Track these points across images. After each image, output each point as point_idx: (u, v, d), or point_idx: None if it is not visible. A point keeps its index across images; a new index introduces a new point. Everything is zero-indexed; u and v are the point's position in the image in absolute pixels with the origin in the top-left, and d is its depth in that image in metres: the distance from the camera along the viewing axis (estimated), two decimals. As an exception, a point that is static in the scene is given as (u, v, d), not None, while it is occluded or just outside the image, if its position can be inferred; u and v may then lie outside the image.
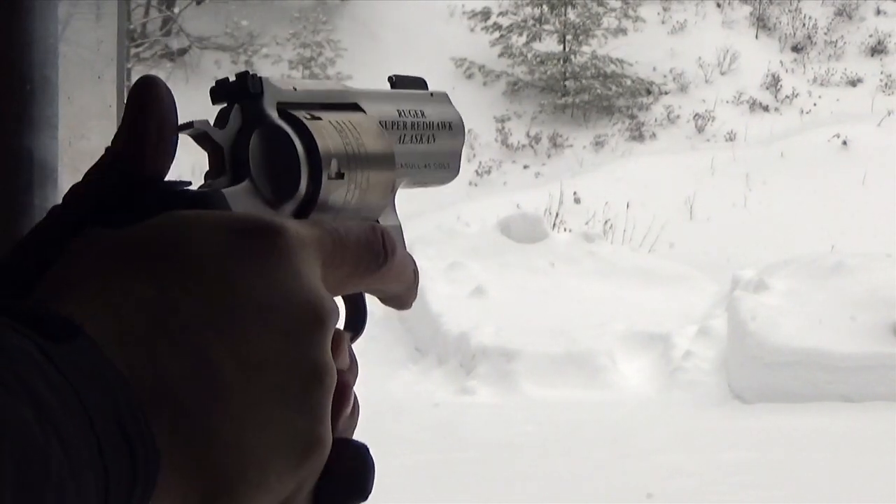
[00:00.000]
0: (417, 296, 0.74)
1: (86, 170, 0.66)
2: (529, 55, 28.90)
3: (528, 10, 29.38)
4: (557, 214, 20.61)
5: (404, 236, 0.79)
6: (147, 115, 0.66)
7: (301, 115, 0.73)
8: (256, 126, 0.70)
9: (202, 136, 0.69)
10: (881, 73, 29.04)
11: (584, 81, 28.63)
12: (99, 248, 0.61)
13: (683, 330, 13.88)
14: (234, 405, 0.58)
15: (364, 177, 0.75)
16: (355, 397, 0.71)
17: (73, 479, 0.52)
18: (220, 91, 0.71)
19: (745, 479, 9.31)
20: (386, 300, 0.72)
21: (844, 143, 24.87)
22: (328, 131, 0.73)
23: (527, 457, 10.10)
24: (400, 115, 0.82)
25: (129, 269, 0.60)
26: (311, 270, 0.62)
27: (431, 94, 0.85)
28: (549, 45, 29.26)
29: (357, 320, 0.76)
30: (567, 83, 28.73)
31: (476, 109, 27.58)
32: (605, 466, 9.76)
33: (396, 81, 0.85)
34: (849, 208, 22.33)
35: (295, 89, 0.74)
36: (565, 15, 29.25)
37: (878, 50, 29.93)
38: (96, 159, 0.66)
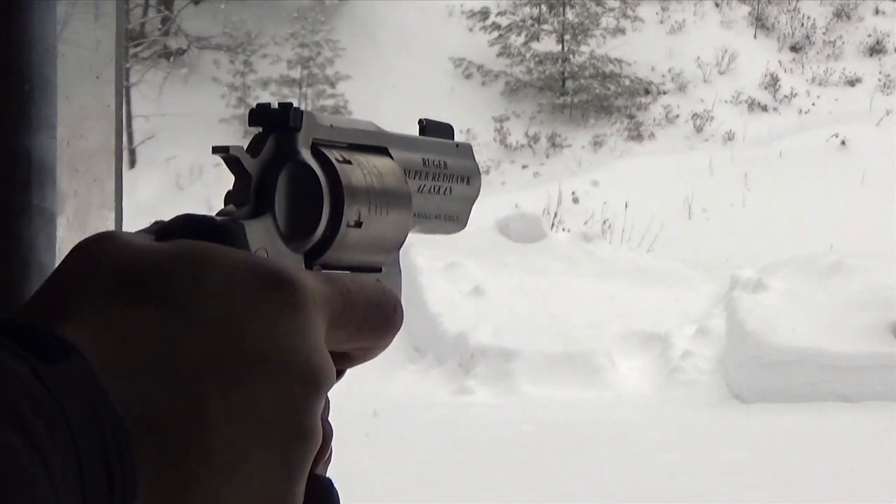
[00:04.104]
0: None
1: (84, 170, 0.66)
2: (528, 55, 28.91)
3: (527, 9, 29.39)
4: (556, 214, 20.61)
5: (402, 276, 0.80)
6: None
7: (333, 155, 0.72)
8: (288, 161, 0.70)
9: (234, 161, 0.68)
10: (880, 72, 29.06)
11: (582, 81, 28.65)
12: (105, 264, 0.60)
13: (682, 330, 13.89)
14: (219, 455, 0.57)
15: (380, 227, 0.75)
16: (330, 449, 0.70)
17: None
18: (259, 115, 0.71)
19: (744, 479, 9.31)
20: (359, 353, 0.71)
21: (843, 142, 24.89)
22: (356, 178, 0.73)
23: (525, 456, 10.10)
24: (424, 164, 0.82)
25: (136, 297, 0.58)
26: (317, 330, 0.62)
27: (457, 146, 0.85)
28: (548, 44, 29.28)
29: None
30: (566, 83, 28.74)
31: (474, 109, 27.58)
32: (604, 466, 9.76)
33: (426, 126, 0.85)
34: (847, 208, 22.34)
35: (332, 127, 0.74)
36: (564, 15, 29.26)
37: (876, 50, 29.94)
38: (95, 159, 0.66)
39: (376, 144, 0.78)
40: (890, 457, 9.70)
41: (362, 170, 0.74)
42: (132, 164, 25.74)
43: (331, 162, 0.72)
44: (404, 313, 0.70)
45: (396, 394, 12.66)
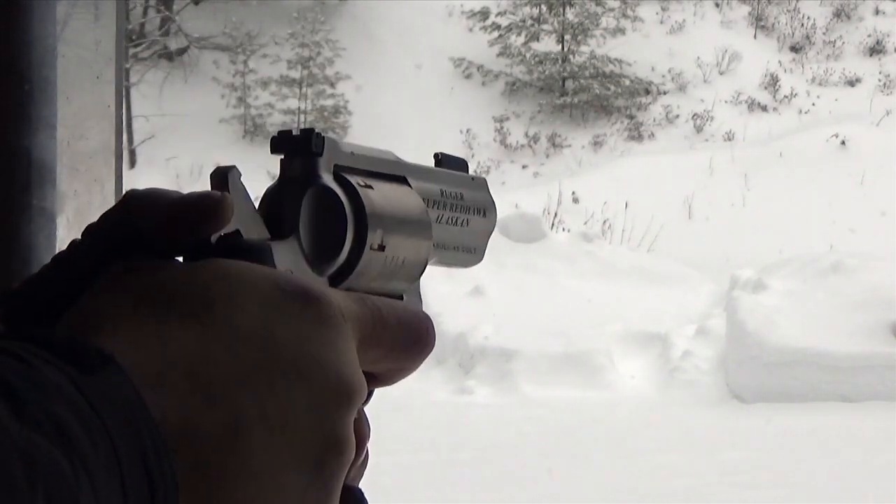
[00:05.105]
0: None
1: (84, 170, 0.66)
2: (528, 55, 28.90)
3: (527, 9, 29.39)
4: (556, 214, 20.62)
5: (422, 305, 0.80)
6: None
7: (355, 181, 0.73)
8: (311, 184, 0.71)
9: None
10: (880, 72, 29.05)
11: (582, 81, 28.64)
12: (140, 283, 0.61)
13: (682, 330, 13.88)
14: (255, 466, 0.58)
15: (402, 251, 0.76)
16: (367, 453, 0.71)
17: None
18: (282, 142, 0.72)
19: (744, 479, 9.31)
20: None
21: (843, 142, 24.88)
22: (378, 202, 0.74)
23: (525, 457, 10.10)
24: (442, 195, 0.83)
25: (171, 313, 0.59)
26: (348, 345, 0.62)
27: (472, 179, 0.87)
28: (548, 44, 29.27)
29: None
30: (566, 83, 28.74)
31: (474, 109, 27.58)
32: (604, 466, 9.76)
33: (442, 159, 0.86)
34: (847, 208, 22.34)
35: (353, 154, 0.75)
36: (564, 15, 29.25)
37: (876, 50, 29.94)
38: (95, 159, 0.66)
39: (395, 173, 0.79)
40: (890, 457, 9.70)
41: (384, 195, 0.75)
42: (132, 164, 25.74)
43: (353, 186, 0.73)
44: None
45: (395, 393, 12.65)
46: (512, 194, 22.73)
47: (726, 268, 16.17)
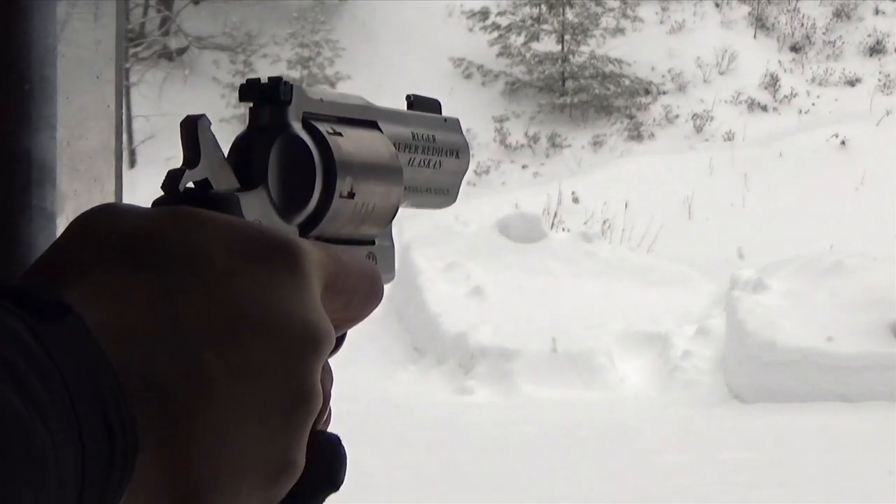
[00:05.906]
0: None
1: (84, 170, 0.66)
2: (528, 55, 28.89)
3: (527, 9, 29.37)
4: (556, 214, 20.61)
5: (395, 250, 0.80)
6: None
7: (324, 128, 0.73)
8: (280, 134, 0.71)
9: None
10: (880, 72, 29.04)
11: (582, 81, 28.63)
12: (103, 232, 0.60)
13: (682, 330, 13.88)
14: (219, 414, 0.58)
15: (372, 198, 0.76)
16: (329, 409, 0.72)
17: (54, 457, 0.52)
18: (250, 90, 0.72)
19: (744, 479, 9.31)
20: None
21: (843, 142, 24.87)
22: (346, 150, 0.74)
23: (525, 457, 10.10)
24: (413, 137, 0.83)
25: (135, 264, 0.59)
26: (314, 292, 0.63)
27: (445, 120, 0.87)
28: (548, 44, 29.26)
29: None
30: (565, 83, 28.73)
31: (474, 109, 27.57)
32: (604, 466, 9.76)
33: (414, 101, 0.86)
34: (847, 208, 22.34)
35: (322, 101, 0.75)
36: (564, 15, 29.25)
37: (876, 50, 29.93)
38: (95, 159, 0.67)
39: (366, 118, 0.79)
40: (890, 457, 9.70)
41: (353, 142, 0.75)
42: (132, 164, 25.74)
43: (322, 134, 0.73)
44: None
45: (396, 394, 12.66)
46: (512, 194, 22.73)
47: (726, 268, 16.16)
